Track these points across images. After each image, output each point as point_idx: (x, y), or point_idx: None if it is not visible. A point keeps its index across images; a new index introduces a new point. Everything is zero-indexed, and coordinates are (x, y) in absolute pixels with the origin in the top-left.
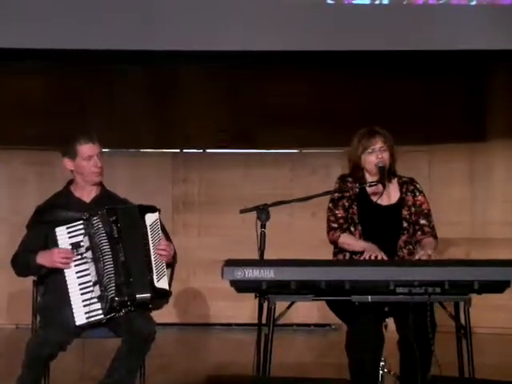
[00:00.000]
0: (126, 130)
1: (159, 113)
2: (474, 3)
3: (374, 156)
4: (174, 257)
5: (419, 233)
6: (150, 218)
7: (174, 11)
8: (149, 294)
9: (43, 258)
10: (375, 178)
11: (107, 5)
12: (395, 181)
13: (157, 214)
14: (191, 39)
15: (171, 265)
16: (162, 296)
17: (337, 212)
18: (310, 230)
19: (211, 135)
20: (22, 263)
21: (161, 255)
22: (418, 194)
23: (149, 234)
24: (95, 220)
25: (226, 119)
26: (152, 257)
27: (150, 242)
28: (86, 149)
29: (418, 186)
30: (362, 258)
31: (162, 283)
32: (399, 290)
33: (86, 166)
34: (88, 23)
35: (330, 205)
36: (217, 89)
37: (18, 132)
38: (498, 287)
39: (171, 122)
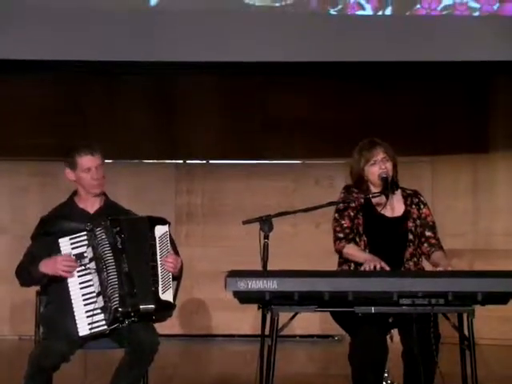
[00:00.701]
0: (129, 141)
1: (162, 124)
2: (476, 14)
3: (377, 167)
4: (181, 270)
5: (425, 245)
6: (160, 230)
7: (176, 22)
8: (153, 305)
9: (46, 266)
10: (379, 189)
11: (109, 16)
12: (399, 193)
13: (166, 226)
14: (194, 50)
15: (177, 278)
16: (165, 308)
17: (343, 222)
18: (313, 240)
19: (214, 146)
20: (25, 273)
21: (167, 267)
22: (422, 206)
23: (157, 245)
24: (98, 231)
25: (229, 130)
26: (159, 268)
27: (158, 254)
28: (86, 161)
29: (422, 198)
30: (362, 269)
31: (166, 295)
32: (403, 301)
33: (85, 177)
34: (90, 34)
35: (336, 215)
36: (220, 99)
37: (21, 143)
38: (501, 298)
39: (174, 132)
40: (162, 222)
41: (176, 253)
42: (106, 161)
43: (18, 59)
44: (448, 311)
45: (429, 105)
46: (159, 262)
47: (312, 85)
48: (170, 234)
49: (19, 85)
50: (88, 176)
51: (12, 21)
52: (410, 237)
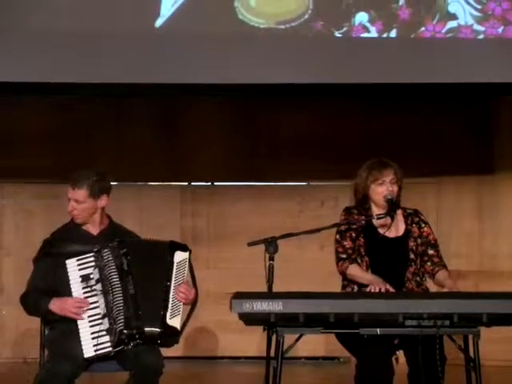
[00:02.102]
0: (134, 163)
1: (167, 146)
2: (481, 37)
3: (385, 188)
4: (195, 301)
5: (429, 263)
6: (179, 256)
7: (181, 44)
8: (158, 329)
9: (55, 306)
10: (382, 210)
11: (113, 38)
12: (400, 212)
13: (187, 253)
14: (199, 72)
15: (192, 306)
16: (171, 333)
17: (345, 243)
18: (318, 262)
19: (219, 168)
20: (33, 306)
21: (178, 296)
22: (423, 225)
23: (174, 270)
24: (105, 252)
25: (234, 152)
26: (171, 293)
27: (173, 279)
28: (68, 191)
29: (422, 217)
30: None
31: (173, 321)
32: (408, 322)
33: (67, 205)
34: (94, 57)
35: (337, 236)
36: (225, 122)
37: (25, 165)
38: (507, 320)
39: (179, 154)
40: (183, 248)
41: (193, 281)
42: (111, 183)
43: (23, 81)
44: (453, 333)
45: (434, 126)
46: (172, 288)
47: (317, 106)
48: (190, 262)
49: (25, 107)
50: (68, 205)
51: (16, 44)
52: (412, 256)
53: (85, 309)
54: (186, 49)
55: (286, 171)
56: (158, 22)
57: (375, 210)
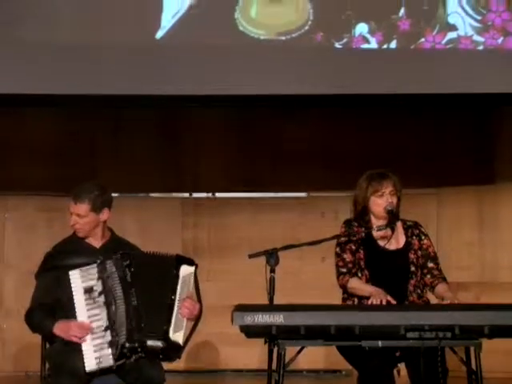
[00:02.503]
0: (135, 175)
1: (168, 157)
2: (481, 48)
3: (384, 199)
4: (198, 317)
5: (428, 276)
6: (185, 270)
7: (182, 56)
8: (160, 343)
9: (59, 330)
10: (382, 222)
11: (114, 50)
12: (399, 225)
13: (193, 268)
14: (200, 84)
15: (196, 321)
16: (174, 348)
17: (345, 256)
18: (319, 274)
19: (220, 180)
20: (37, 326)
21: (182, 311)
22: (423, 237)
23: (179, 284)
24: (109, 264)
25: (235, 163)
26: (175, 308)
27: (178, 294)
28: (70, 206)
29: (422, 229)
30: (368, 303)
31: (176, 336)
32: (409, 334)
33: (69, 220)
34: (95, 68)
35: (337, 249)
36: (225, 133)
37: (28, 178)
38: (508, 331)
39: (180, 166)
40: (190, 262)
41: (198, 296)
42: (112, 194)
43: (25, 93)
44: (455, 345)
45: (434, 136)
46: (177, 302)
47: (318, 117)
48: (195, 277)
49: (26, 119)
50: (70, 219)
51: (15, 56)
52: (412, 268)
53: (89, 333)
54: (186, 60)
55: (286, 182)
56: (159, 34)
57: (375, 222)
